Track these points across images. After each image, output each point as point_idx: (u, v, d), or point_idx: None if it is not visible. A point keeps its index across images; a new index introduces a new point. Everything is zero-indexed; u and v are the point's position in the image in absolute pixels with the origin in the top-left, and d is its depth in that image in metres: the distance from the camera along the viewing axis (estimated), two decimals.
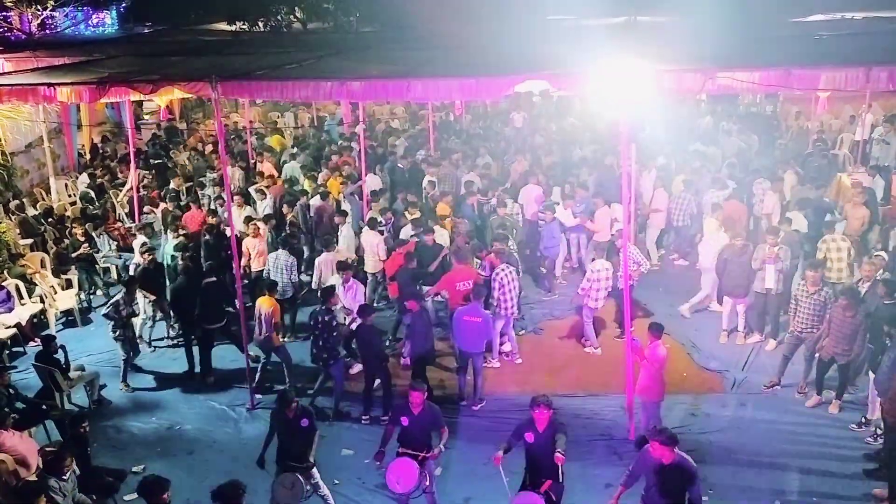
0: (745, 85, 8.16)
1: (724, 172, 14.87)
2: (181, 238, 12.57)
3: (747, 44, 11.70)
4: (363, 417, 9.47)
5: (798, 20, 18.24)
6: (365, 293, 10.63)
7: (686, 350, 10.83)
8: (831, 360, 9.05)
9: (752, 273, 10.61)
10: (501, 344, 10.72)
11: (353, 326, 9.77)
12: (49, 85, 9.56)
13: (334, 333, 9.49)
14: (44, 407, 9.32)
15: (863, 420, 8.86)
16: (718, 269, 11.00)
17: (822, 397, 9.37)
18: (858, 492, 7.84)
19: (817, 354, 9.23)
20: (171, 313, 11.42)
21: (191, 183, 17.00)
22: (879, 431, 8.41)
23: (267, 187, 14.45)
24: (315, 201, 14.05)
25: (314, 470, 7.51)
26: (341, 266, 10.71)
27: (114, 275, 13.88)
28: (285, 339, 11.09)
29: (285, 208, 13.49)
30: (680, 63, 8.89)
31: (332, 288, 10.07)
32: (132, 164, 15.53)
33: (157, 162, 18.39)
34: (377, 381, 9.51)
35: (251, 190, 14.75)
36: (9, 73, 13.17)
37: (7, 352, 11.28)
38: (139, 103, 23.14)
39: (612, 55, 8.36)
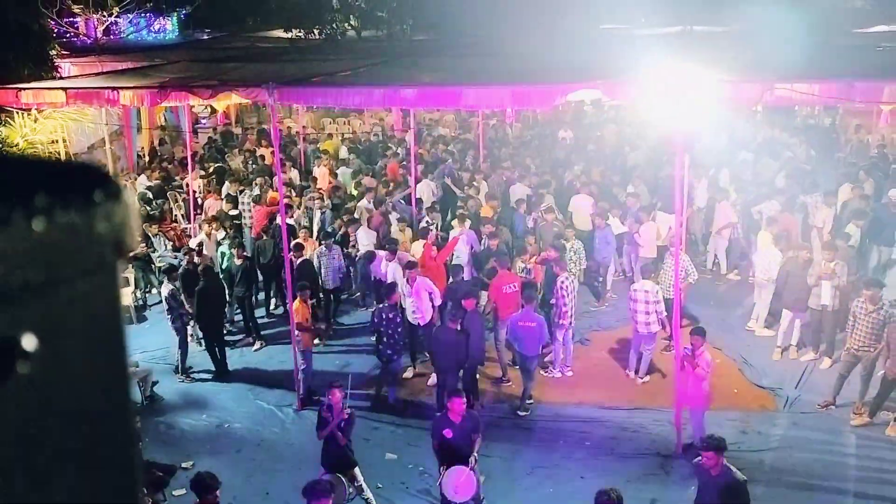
0: (804, 97, 7.97)
1: (780, 184, 14.56)
2: (232, 236, 12.88)
3: (807, 54, 11.45)
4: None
5: (860, 31, 17.82)
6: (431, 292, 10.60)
7: (738, 366, 10.60)
8: (895, 381, 8.76)
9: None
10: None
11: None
12: (113, 88, 9.90)
13: (399, 329, 9.67)
14: None
15: None
16: (779, 282, 10.74)
17: (873, 419, 9.08)
18: None
19: (880, 373, 8.95)
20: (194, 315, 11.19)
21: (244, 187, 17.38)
22: None
23: (320, 198, 14.65)
24: (363, 203, 14.26)
25: (357, 472, 7.57)
26: (410, 265, 10.73)
27: None
28: (319, 344, 11.34)
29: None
30: (737, 73, 8.76)
31: (394, 285, 10.21)
32: (190, 167, 15.92)
33: (216, 165, 18.83)
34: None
35: (304, 200, 15.06)
36: (75, 76, 13.67)
37: None
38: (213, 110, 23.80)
39: (666, 64, 8.29)
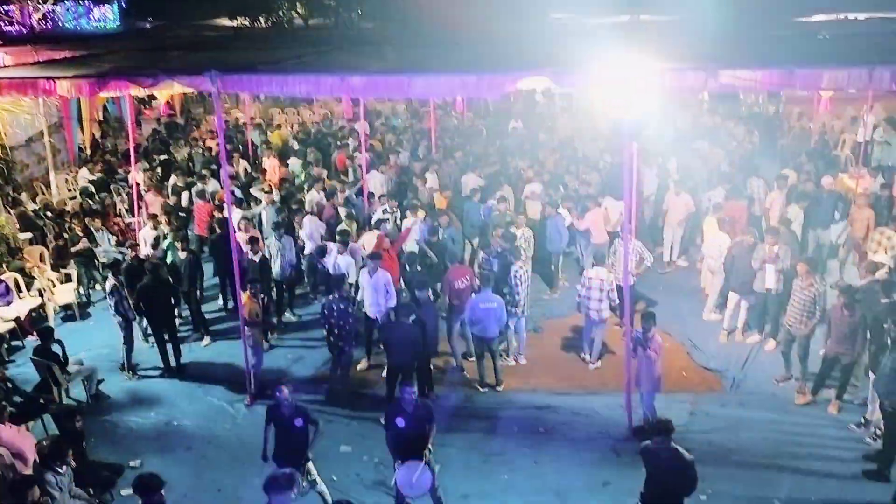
0: (747, 84, 8.10)
1: (725, 171, 14.84)
2: (177, 228, 12.56)
3: (750, 43, 11.67)
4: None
5: (801, 20, 18.22)
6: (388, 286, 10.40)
7: (686, 349, 10.80)
8: (835, 358, 9.03)
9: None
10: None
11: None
12: (49, 78, 9.50)
13: (350, 321, 9.58)
14: (41, 401, 9.29)
15: (862, 420, 8.84)
16: (726, 265, 10.98)
17: (814, 397, 9.36)
18: (858, 493, 7.81)
19: (821, 352, 9.21)
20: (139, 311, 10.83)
21: (191, 178, 17.03)
22: (879, 432, 8.40)
23: (269, 191, 14.33)
24: (311, 196, 14.09)
25: (311, 465, 7.48)
26: (372, 256, 10.51)
27: None
28: (271, 338, 11.29)
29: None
30: (683, 61, 8.85)
31: (344, 276, 10.12)
32: (133, 160, 15.43)
33: (163, 158, 18.37)
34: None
35: (253, 191, 14.82)
36: (9, 66, 13.13)
37: (6, 346, 11.27)
38: (142, 100, 23.18)
39: (614, 53, 8.36)
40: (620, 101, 8.16)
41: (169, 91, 10.95)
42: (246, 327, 9.68)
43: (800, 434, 8.83)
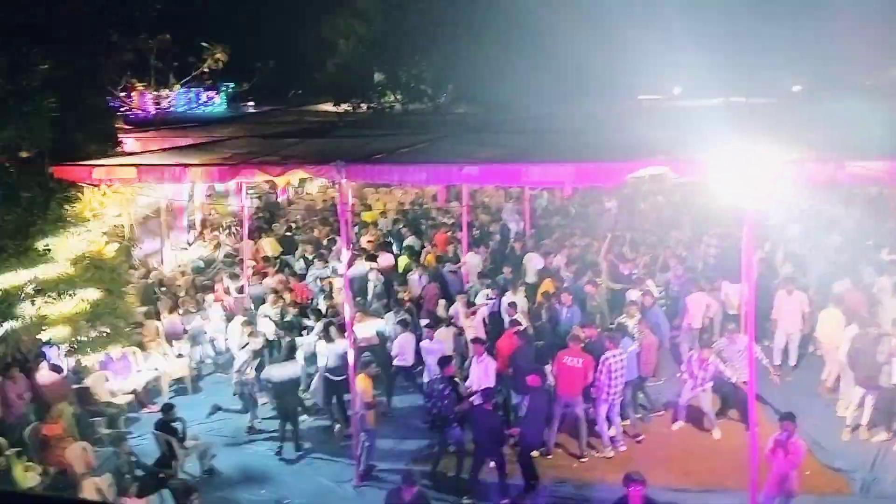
0: (876, 175, 7.90)
1: (838, 260, 14.31)
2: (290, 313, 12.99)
3: (857, 126, 11.37)
4: (465, 500, 9.35)
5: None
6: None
7: (808, 446, 10.22)
8: None
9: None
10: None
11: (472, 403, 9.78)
12: (185, 166, 10.18)
13: (446, 402, 9.61)
14: (161, 475, 9.56)
15: None
16: (850, 360, 10.51)
17: None
18: None
19: None
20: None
21: (289, 256, 17.67)
22: None
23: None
24: (412, 279, 14.35)
25: None
26: (477, 341, 10.81)
27: (221, 345, 14.24)
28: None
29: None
30: (801, 150, 8.69)
31: (449, 358, 10.25)
32: (246, 235, 16.14)
33: (287, 234, 19.22)
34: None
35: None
36: (139, 152, 14.03)
37: (124, 418, 11.70)
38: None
39: (725, 140, 8.35)
40: (742, 192, 8.06)
41: (293, 177, 11.31)
42: (359, 408, 9.81)
43: None
